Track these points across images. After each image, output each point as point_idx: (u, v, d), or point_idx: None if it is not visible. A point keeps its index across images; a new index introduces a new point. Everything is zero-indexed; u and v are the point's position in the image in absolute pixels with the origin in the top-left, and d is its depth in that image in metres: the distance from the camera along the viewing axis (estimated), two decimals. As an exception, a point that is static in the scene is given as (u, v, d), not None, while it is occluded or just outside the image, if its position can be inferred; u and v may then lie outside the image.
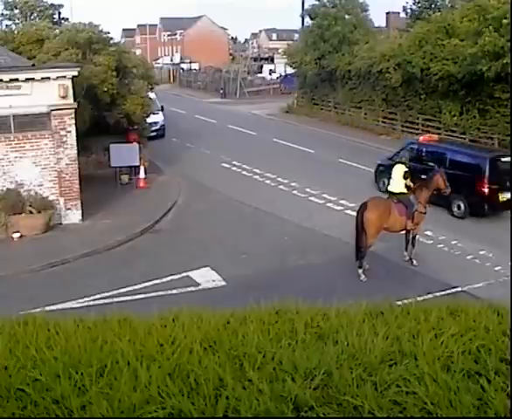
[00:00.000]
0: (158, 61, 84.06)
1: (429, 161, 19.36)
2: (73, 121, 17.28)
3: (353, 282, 13.36)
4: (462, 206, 18.44)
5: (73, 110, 17.24)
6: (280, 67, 58.71)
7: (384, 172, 20.51)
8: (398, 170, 14.55)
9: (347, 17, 36.88)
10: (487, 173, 17.97)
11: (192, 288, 13.36)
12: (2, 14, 34.30)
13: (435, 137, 22.53)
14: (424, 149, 20.33)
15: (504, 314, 4.73)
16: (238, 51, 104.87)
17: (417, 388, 3.60)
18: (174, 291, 13.02)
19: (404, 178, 14.38)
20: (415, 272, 14.15)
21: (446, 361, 3.96)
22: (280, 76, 57.77)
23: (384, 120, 33.08)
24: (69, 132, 17.24)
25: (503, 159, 19.02)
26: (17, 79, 16.39)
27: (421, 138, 22.24)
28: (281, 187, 22.32)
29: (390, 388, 3.64)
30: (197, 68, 72.49)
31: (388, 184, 14.88)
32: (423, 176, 16.93)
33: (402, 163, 14.70)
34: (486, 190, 17.87)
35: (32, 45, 23.08)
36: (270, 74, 61.63)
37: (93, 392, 3.63)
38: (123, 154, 21.60)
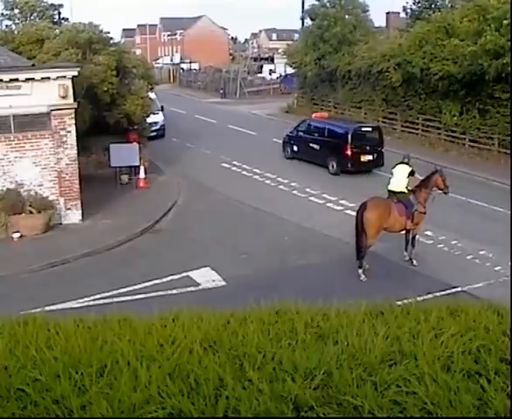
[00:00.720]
0: (158, 61, 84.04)
1: (315, 133, 25.42)
2: (73, 121, 17.28)
3: (353, 282, 13.36)
4: (335, 165, 23.94)
5: (73, 110, 17.25)
6: (280, 67, 58.68)
7: (287, 143, 27.03)
8: (402, 170, 14.50)
9: (347, 17, 36.86)
10: (349, 140, 23.44)
11: (192, 288, 13.36)
12: (2, 14, 34.23)
13: (325, 114, 28.89)
14: (313, 124, 25.99)
15: (504, 314, 4.72)
16: (238, 51, 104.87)
17: (417, 388, 3.60)
18: (174, 291, 13.02)
19: (408, 177, 14.39)
20: (415, 272, 14.15)
21: (446, 361, 3.96)
22: (280, 76, 57.75)
23: (384, 120, 33.05)
24: (69, 132, 17.25)
25: (363, 129, 24.96)
26: (17, 79, 16.39)
27: (313, 115, 27.88)
28: (281, 187, 22.32)
29: (390, 388, 3.64)
30: (197, 68, 72.46)
31: (388, 183, 14.85)
32: (312, 144, 25.05)
33: (405, 163, 14.66)
34: (349, 153, 23.40)
35: (32, 45, 23.07)
36: (270, 74, 61.60)
37: (93, 392, 3.63)
38: (123, 154, 21.60)
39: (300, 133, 26.31)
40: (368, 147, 23.93)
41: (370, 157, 23.80)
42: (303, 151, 25.81)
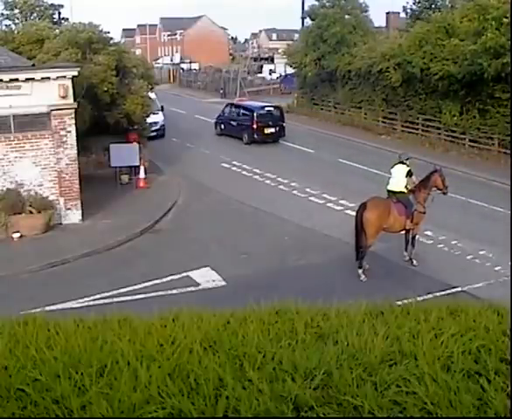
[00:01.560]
0: (158, 61, 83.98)
1: (234, 113, 32.68)
2: (73, 121, 17.28)
3: (353, 282, 13.36)
4: (246, 137, 30.39)
5: (73, 110, 17.25)
6: (280, 67, 58.67)
7: (217, 122, 33.50)
8: (400, 170, 14.48)
9: (347, 17, 36.85)
10: (255, 116, 30.42)
11: (192, 288, 13.36)
12: (2, 14, 34.32)
13: (246, 99, 38.41)
14: (233, 106, 33.65)
15: (504, 314, 4.71)
16: (238, 51, 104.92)
17: (417, 388, 3.59)
18: (174, 291, 13.02)
19: (406, 176, 14.38)
20: (415, 272, 14.15)
21: (446, 361, 3.95)
22: (280, 76, 57.73)
23: (384, 120, 33.07)
24: (69, 132, 17.25)
25: (267, 108, 32.14)
26: (17, 79, 16.39)
27: (235, 100, 36.98)
28: (281, 187, 22.31)
29: (390, 388, 3.63)
30: (197, 68, 72.42)
31: (387, 183, 14.84)
32: (232, 122, 32.09)
33: (403, 163, 14.66)
34: (255, 126, 30.11)
35: (32, 45, 23.08)
36: (270, 74, 61.57)
37: (93, 392, 3.62)
38: (123, 154, 21.60)
39: (226, 115, 33.13)
40: (270, 122, 30.65)
41: (272, 130, 30.55)
42: (227, 128, 32.38)
